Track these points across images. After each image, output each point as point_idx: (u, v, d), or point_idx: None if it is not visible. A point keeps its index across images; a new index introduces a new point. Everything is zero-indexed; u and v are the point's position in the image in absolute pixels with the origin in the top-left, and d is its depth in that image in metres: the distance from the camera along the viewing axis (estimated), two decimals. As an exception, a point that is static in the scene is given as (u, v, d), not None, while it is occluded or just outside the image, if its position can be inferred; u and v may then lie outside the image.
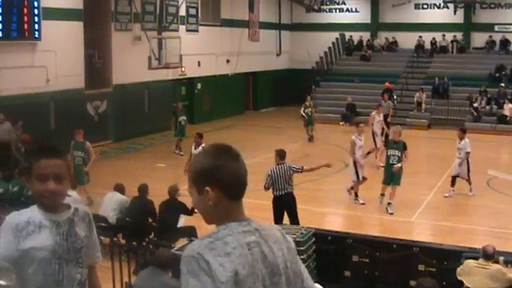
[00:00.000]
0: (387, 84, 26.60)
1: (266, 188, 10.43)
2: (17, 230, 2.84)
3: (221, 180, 2.19)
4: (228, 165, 2.20)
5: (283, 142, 20.51)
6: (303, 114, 22.16)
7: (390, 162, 12.66)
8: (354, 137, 13.66)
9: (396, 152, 12.56)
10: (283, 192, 10.30)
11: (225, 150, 2.26)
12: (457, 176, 14.07)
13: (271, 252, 2.22)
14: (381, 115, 18.52)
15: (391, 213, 12.59)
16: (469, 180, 14.06)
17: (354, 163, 13.46)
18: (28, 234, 2.84)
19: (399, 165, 12.53)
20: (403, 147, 12.60)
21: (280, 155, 10.48)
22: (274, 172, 10.28)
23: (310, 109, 22.32)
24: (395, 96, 26.21)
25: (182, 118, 19.11)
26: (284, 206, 10.40)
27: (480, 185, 15.24)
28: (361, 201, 13.54)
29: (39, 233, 2.86)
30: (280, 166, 10.31)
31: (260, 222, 2.29)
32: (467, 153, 13.86)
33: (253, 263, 2.16)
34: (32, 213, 2.91)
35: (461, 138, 13.98)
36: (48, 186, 2.85)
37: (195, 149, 12.89)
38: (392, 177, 12.67)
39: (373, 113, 18.29)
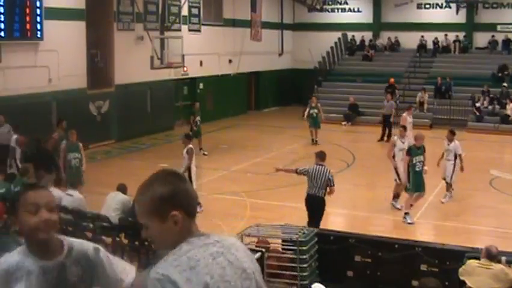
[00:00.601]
0: (391, 80, 26.62)
1: (298, 172, 10.60)
2: (8, 274, 2.68)
3: (183, 202, 2.26)
4: (183, 186, 2.29)
5: (285, 142, 20.58)
6: (306, 114, 21.58)
7: (417, 169, 12.20)
8: (396, 137, 13.72)
9: (422, 158, 12.26)
10: (315, 192, 10.31)
11: (174, 174, 2.33)
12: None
13: (237, 259, 2.26)
14: (411, 116, 18.15)
15: (411, 223, 12.14)
16: (449, 184, 13.64)
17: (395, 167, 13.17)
18: (17, 280, 2.68)
19: (426, 167, 12.42)
20: (424, 150, 12.43)
21: (320, 156, 10.54)
22: (314, 170, 10.33)
23: (316, 110, 21.49)
24: (398, 95, 26.21)
25: (198, 118, 19.20)
26: (312, 206, 10.39)
27: (482, 185, 15.26)
28: (398, 206, 13.06)
29: (26, 280, 2.69)
30: (319, 167, 10.36)
31: (219, 235, 2.33)
32: (459, 155, 13.54)
33: (221, 271, 2.19)
34: (21, 256, 2.74)
35: (451, 140, 13.61)
36: (43, 216, 2.67)
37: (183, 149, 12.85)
38: (423, 184, 12.31)
39: (404, 114, 17.88)
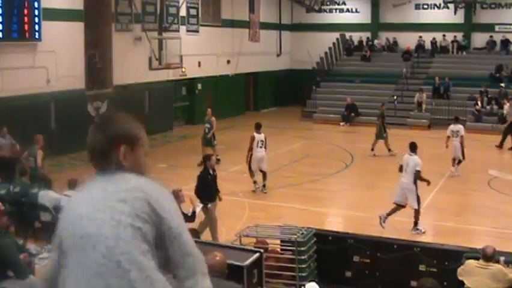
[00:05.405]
0: (408, 46, 26.86)
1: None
2: None
3: None
4: None
5: (284, 142, 20.57)
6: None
7: None
8: None
9: None
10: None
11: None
12: None
13: None
14: None
15: None
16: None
17: None
18: None
19: None
20: None
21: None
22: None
23: (208, 125, 18.02)
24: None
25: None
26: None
27: (481, 185, 15.25)
28: None
29: None
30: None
31: None
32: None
33: None
34: None
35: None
36: None
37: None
38: None
39: None
